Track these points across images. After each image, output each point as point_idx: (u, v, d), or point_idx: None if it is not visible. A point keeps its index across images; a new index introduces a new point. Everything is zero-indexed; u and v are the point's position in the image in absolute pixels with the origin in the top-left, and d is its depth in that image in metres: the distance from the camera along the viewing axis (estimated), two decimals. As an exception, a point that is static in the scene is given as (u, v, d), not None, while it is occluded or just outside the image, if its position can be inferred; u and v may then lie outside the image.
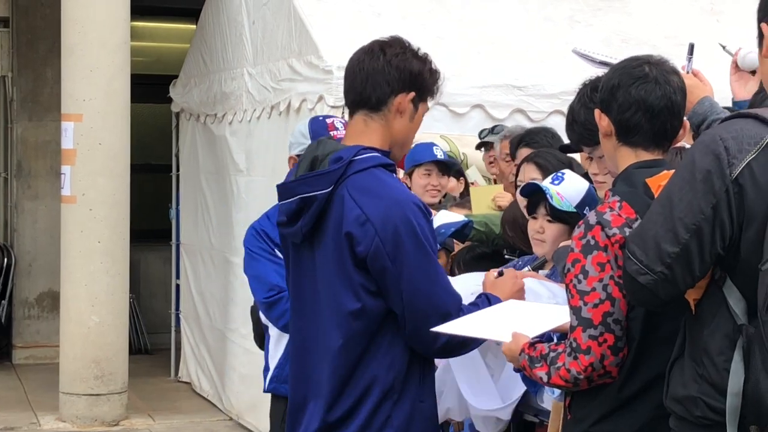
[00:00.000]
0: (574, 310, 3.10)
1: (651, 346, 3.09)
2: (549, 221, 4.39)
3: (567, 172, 4.55)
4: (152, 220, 11.92)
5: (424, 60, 3.53)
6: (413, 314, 3.34)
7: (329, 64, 7.29)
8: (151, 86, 11.48)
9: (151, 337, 11.90)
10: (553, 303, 3.93)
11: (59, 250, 9.16)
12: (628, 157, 3.23)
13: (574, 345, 3.08)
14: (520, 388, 4.09)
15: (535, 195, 4.44)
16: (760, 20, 2.97)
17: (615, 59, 3.90)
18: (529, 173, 4.95)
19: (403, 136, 3.51)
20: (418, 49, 3.56)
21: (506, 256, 5.11)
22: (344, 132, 4.44)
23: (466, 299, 3.56)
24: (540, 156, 5.05)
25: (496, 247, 5.26)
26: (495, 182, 6.69)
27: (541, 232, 4.42)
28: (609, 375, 3.10)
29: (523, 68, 7.74)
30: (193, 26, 10.52)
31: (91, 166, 8.80)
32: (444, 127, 7.29)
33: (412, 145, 5.49)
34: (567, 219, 4.30)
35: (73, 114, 8.84)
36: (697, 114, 3.89)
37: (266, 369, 4.77)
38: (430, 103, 3.60)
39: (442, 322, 3.33)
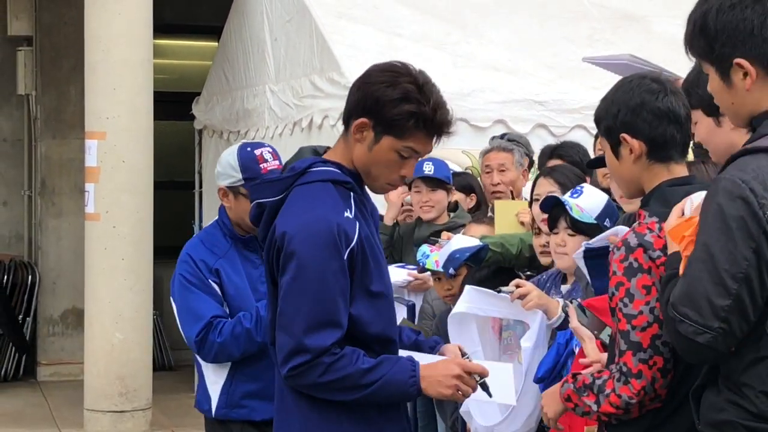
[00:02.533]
0: (622, 334, 3.07)
1: (693, 366, 3.06)
2: (570, 235, 4.39)
3: (585, 185, 4.56)
4: (176, 237, 11.90)
5: (406, 95, 3.30)
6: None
7: (350, 81, 7.28)
8: (173, 103, 11.52)
9: (175, 354, 11.92)
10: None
11: (83, 268, 9.20)
12: (660, 174, 3.20)
13: (624, 369, 3.06)
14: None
15: (554, 208, 4.44)
16: (728, 55, 2.91)
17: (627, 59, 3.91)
18: (546, 187, 4.95)
19: (361, 163, 3.38)
20: (425, 86, 3.37)
21: (527, 273, 5.08)
22: (274, 163, 4.49)
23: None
24: (557, 171, 5.06)
25: (513, 267, 5.21)
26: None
27: (563, 245, 4.43)
28: (659, 398, 3.07)
29: (545, 83, 7.75)
30: (216, 43, 10.57)
31: (114, 183, 8.84)
32: (466, 143, 7.29)
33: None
34: (588, 231, 4.30)
35: (97, 132, 8.88)
36: None
37: (205, 397, 4.59)
38: (403, 145, 3.33)
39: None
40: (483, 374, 3.35)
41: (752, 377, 2.83)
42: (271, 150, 4.60)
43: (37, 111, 11.77)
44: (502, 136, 6.65)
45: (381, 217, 5.83)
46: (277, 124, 8.59)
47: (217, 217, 4.67)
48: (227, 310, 4.48)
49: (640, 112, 3.18)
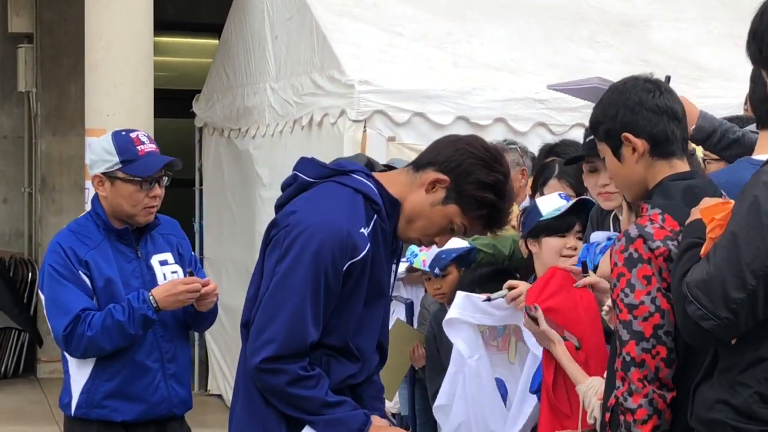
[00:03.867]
0: (624, 325, 3.09)
1: (696, 356, 3.08)
2: (579, 238, 4.41)
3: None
4: (175, 235, 11.95)
5: (495, 185, 3.34)
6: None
7: (351, 79, 7.32)
8: (174, 101, 11.52)
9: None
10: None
11: (83, 265, 9.18)
12: (663, 170, 3.23)
13: (628, 359, 3.08)
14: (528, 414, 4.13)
15: (572, 211, 4.43)
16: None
17: (592, 83, 3.95)
18: (558, 189, 4.94)
19: (413, 209, 3.38)
20: (508, 182, 3.39)
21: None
22: (151, 146, 4.44)
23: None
24: (569, 175, 5.03)
25: (506, 269, 5.19)
26: None
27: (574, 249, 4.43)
28: (667, 387, 3.08)
29: (545, 82, 7.75)
30: (216, 41, 10.57)
31: (115, 180, 8.83)
32: (466, 141, 7.29)
33: None
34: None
35: (97, 129, 8.87)
36: (703, 129, 3.91)
37: (67, 394, 4.49)
38: (462, 221, 3.37)
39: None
40: None
41: (750, 377, 2.85)
42: (146, 134, 4.51)
43: (37, 108, 11.78)
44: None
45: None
46: (277, 122, 8.59)
47: (89, 210, 4.54)
48: (96, 304, 4.36)
49: (639, 110, 3.21)
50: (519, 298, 4.19)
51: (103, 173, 4.42)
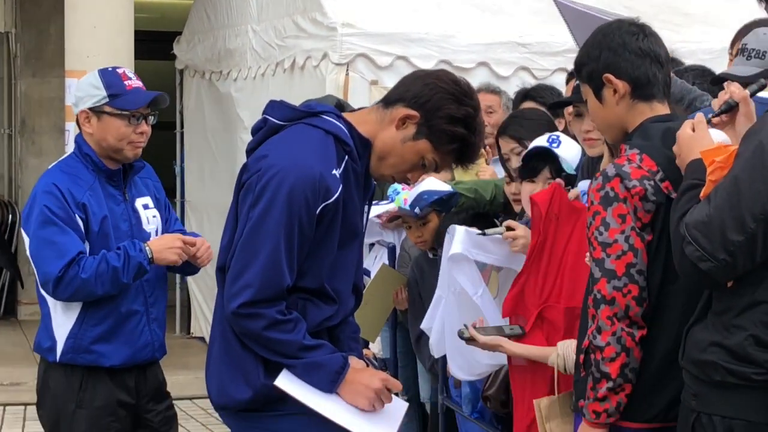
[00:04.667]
0: (597, 262, 3.12)
1: (670, 295, 3.11)
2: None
3: (561, 134, 4.54)
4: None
5: (465, 119, 3.31)
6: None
7: (333, 21, 7.28)
8: (154, 43, 11.45)
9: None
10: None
11: (64, 207, 9.15)
12: (644, 112, 3.24)
13: (599, 296, 3.10)
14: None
15: (538, 158, 4.42)
16: None
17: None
18: (509, 145, 4.90)
19: (384, 145, 3.36)
20: (478, 117, 3.35)
21: (500, 219, 5.03)
22: (138, 82, 4.38)
23: None
24: (510, 128, 4.95)
25: (485, 213, 5.17)
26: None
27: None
28: (637, 325, 3.10)
29: (528, 26, 7.72)
30: (197, -18, 10.49)
31: (95, 122, 8.78)
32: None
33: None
34: (569, 182, 4.30)
35: (77, 71, 8.80)
36: (673, 95, 3.91)
37: (49, 340, 4.40)
38: (433, 157, 3.35)
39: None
40: (398, 389, 3.41)
41: (745, 320, 2.87)
42: (131, 71, 4.46)
43: (16, 49, 11.69)
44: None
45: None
46: (259, 65, 8.55)
47: (72, 151, 4.42)
48: (88, 247, 4.29)
49: (622, 52, 3.23)
50: (516, 240, 4.19)
51: (90, 108, 4.36)
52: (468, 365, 4.39)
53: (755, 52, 3.95)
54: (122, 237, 4.34)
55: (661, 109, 3.27)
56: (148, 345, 4.44)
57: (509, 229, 4.22)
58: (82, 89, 4.40)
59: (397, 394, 3.45)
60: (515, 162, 4.74)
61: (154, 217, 4.51)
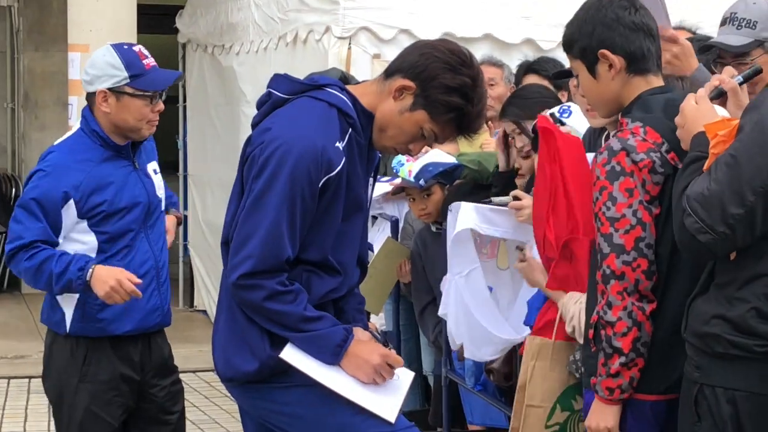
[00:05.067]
0: (605, 237, 3.11)
1: (678, 269, 3.11)
2: None
3: (572, 104, 4.53)
4: (160, 151, 11.89)
5: (462, 88, 3.29)
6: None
7: (337, -6, 7.25)
8: (157, 16, 11.42)
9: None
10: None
11: (67, 181, 9.15)
12: (640, 86, 3.24)
13: (608, 272, 3.10)
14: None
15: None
16: None
17: None
18: (509, 128, 4.88)
19: (384, 117, 3.36)
20: (479, 86, 3.32)
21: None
22: (152, 60, 4.33)
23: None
24: (508, 111, 4.91)
25: (488, 185, 5.14)
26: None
27: None
28: (646, 299, 3.10)
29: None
30: (200, -45, 10.45)
31: (98, 96, 8.77)
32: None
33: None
34: None
35: (80, 44, 8.80)
36: (697, 80, 3.89)
37: (57, 311, 4.42)
38: (431, 127, 3.34)
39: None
40: (399, 365, 3.40)
41: (748, 292, 2.88)
42: (143, 48, 4.39)
43: (19, 23, 11.67)
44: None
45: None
46: (261, 38, 8.52)
47: (78, 127, 4.40)
48: (61, 240, 4.26)
49: (616, 27, 3.22)
50: (522, 210, 4.18)
51: (109, 88, 4.30)
52: (484, 345, 4.39)
53: (745, 22, 3.92)
54: (138, 205, 4.35)
55: (656, 81, 3.27)
56: (157, 309, 4.44)
57: (516, 199, 4.22)
58: (98, 67, 4.32)
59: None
60: (519, 142, 4.74)
61: (162, 182, 4.56)
